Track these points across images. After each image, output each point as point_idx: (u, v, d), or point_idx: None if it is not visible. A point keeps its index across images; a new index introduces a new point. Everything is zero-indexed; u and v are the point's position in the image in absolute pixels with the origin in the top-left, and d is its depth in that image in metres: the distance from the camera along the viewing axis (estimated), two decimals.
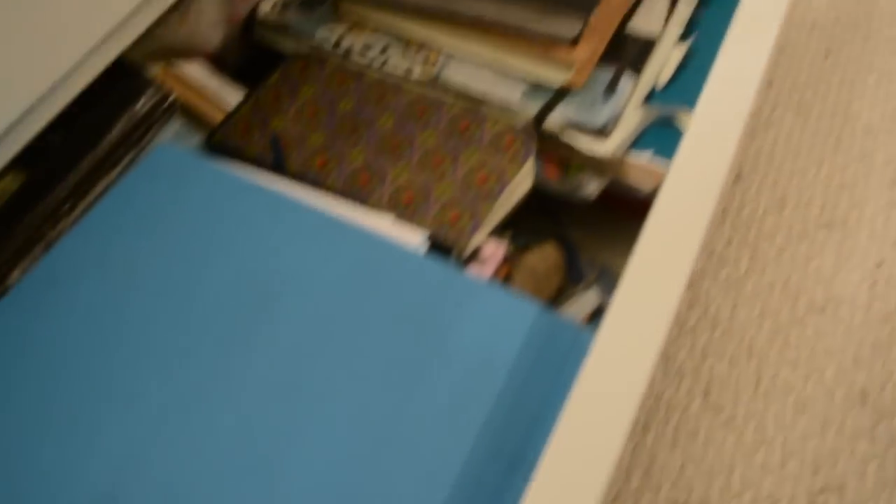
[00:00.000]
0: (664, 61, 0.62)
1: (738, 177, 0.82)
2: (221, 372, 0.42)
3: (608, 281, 0.65)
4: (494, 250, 0.52)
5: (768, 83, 0.88)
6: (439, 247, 0.52)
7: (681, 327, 0.72)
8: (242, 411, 0.40)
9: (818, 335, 0.71)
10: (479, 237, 0.53)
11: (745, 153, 0.84)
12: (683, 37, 0.64)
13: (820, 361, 0.70)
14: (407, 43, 0.62)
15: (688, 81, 0.61)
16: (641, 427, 0.67)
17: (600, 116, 0.58)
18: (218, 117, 0.65)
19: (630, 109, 0.59)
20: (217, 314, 0.43)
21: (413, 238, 0.48)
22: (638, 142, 0.58)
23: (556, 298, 0.63)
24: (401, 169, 0.57)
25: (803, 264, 0.76)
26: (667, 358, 0.70)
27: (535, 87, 0.60)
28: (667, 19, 0.64)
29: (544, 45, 0.59)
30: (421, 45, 0.62)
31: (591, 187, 0.59)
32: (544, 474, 0.38)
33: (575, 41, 0.58)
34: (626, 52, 0.62)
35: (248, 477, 0.38)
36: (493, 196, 0.55)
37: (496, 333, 0.42)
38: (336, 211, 0.47)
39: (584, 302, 0.63)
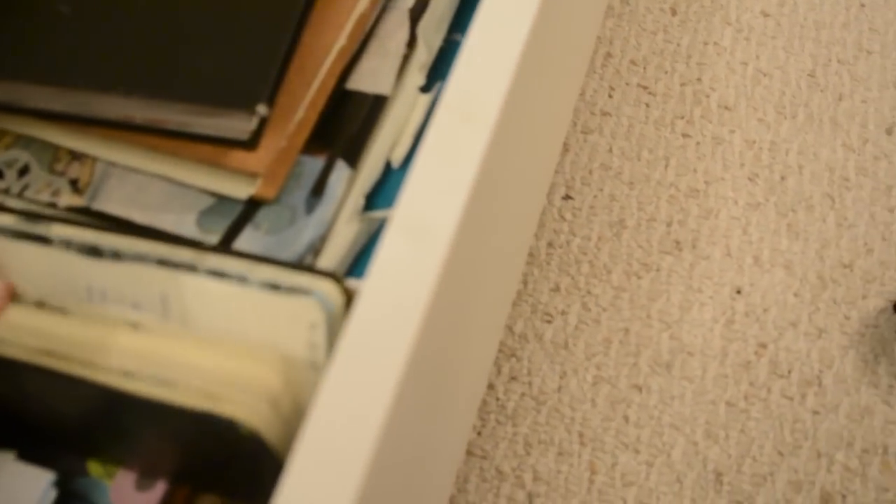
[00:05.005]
0: (400, 127, 0.47)
1: (566, 196, 0.67)
2: None
3: None
4: None
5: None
6: None
7: (499, 411, 0.60)
8: None
9: (663, 402, 0.59)
10: None
11: (572, 167, 0.69)
12: (427, 88, 0.49)
13: (666, 439, 0.58)
14: (53, 160, 0.47)
15: None
16: None
17: (298, 241, 0.43)
18: None
19: (343, 221, 0.44)
20: None
21: None
22: (361, 260, 0.44)
23: None
24: None
25: (645, 306, 0.62)
26: (482, 456, 0.58)
27: (218, 206, 0.45)
28: (401, 67, 0.48)
29: (214, 150, 0.44)
30: (69, 162, 0.46)
31: None
32: None
33: (252, 143, 0.43)
34: (343, 124, 0.47)
35: None
36: None
37: None
38: None
39: None
